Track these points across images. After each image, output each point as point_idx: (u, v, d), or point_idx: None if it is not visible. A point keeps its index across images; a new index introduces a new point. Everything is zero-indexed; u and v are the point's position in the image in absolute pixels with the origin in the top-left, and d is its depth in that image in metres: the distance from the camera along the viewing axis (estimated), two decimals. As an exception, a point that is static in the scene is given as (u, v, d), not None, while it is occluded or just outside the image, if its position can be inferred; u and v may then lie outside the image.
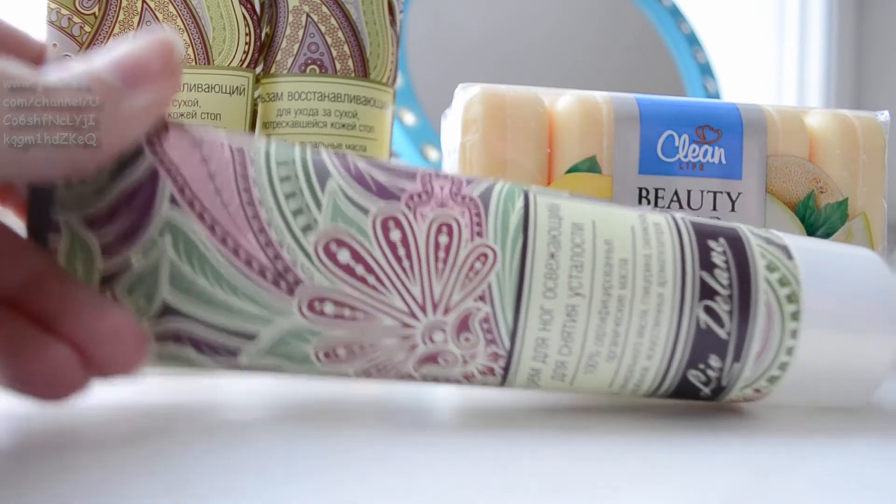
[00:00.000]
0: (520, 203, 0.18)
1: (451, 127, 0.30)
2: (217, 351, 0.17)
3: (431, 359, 0.18)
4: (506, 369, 0.18)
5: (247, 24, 0.25)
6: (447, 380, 0.18)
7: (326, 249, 0.17)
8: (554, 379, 0.18)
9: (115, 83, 0.16)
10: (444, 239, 0.17)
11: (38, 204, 0.16)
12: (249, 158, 0.17)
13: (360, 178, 0.17)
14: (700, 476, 0.15)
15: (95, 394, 0.21)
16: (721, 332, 0.18)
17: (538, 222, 0.18)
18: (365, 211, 0.17)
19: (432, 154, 0.54)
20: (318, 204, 0.17)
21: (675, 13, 0.70)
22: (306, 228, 0.17)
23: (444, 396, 0.22)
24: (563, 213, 0.18)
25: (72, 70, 0.15)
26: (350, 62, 0.26)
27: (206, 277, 0.16)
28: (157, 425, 0.18)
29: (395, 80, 0.28)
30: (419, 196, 0.17)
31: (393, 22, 0.27)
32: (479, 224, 0.17)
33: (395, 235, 0.17)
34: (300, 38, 0.26)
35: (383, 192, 0.17)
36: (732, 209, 0.26)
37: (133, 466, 0.15)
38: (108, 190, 0.16)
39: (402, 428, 0.18)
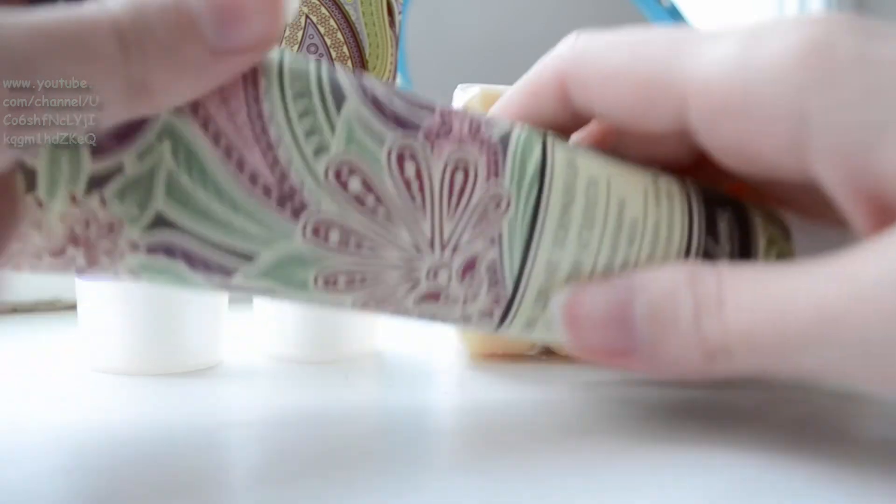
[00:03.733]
0: (538, 151, 0.17)
1: (451, 127, 0.30)
2: (211, 269, 0.16)
3: (433, 297, 0.17)
4: (504, 315, 0.18)
5: (246, 25, 0.25)
6: (444, 320, 0.18)
7: (338, 176, 0.16)
8: (552, 329, 0.18)
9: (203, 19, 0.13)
10: (459, 178, 0.17)
11: None
12: (262, 69, 0.16)
13: (377, 105, 0.16)
14: (700, 476, 0.15)
15: (94, 395, 0.21)
16: None
17: (555, 173, 0.17)
18: (381, 140, 0.16)
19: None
20: (332, 127, 0.16)
21: (674, 13, 0.70)
22: (318, 151, 0.16)
23: (444, 396, 0.22)
24: (579, 167, 0.18)
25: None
26: (349, 63, 0.26)
27: (207, 190, 0.15)
28: (154, 428, 0.18)
29: (394, 80, 0.28)
30: (437, 130, 0.17)
31: (392, 23, 0.27)
32: (496, 166, 0.17)
33: (410, 169, 0.16)
34: (299, 39, 0.26)
35: (401, 123, 0.16)
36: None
37: (132, 467, 0.15)
38: None
39: (401, 430, 0.18)
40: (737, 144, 0.16)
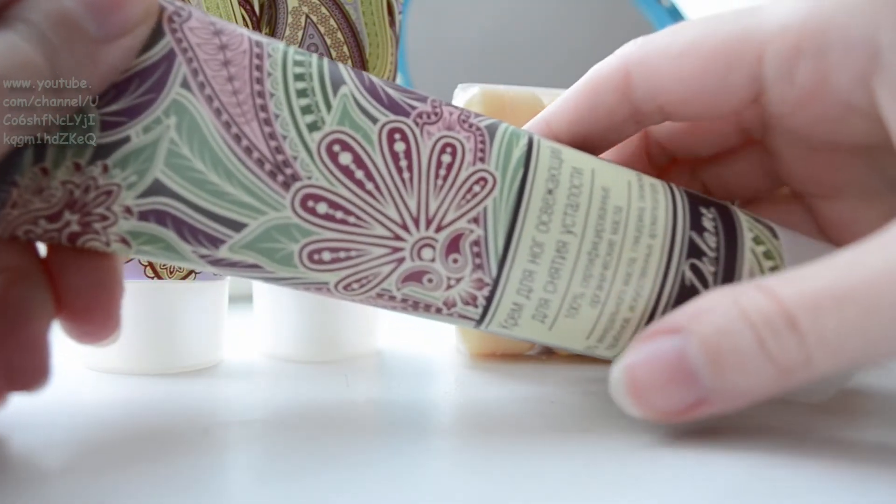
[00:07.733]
0: (524, 141, 0.18)
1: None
2: (199, 239, 0.17)
3: (416, 277, 0.18)
4: (489, 300, 0.18)
5: (246, 25, 0.25)
6: (426, 308, 0.18)
7: (329, 150, 0.17)
8: (535, 319, 0.18)
9: (87, 25, 0.15)
10: (446, 158, 0.17)
11: None
12: (267, 52, 0.17)
13: (372, 91, 0.18)
14: (701, 476, 0.15)
15: (94, 395, 0.21)
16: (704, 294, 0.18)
17: (540, 159, 0.18)
18: (373, 120, 0.17)
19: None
20: (328, 106, 0.17)
21: (675, 14, 0.70)
22: (313, 126, 0.17)
23: (444, 396, 0.22)
24: (564, 157, 0.18)
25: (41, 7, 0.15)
26: (349, 63, 0.26)
27: (204, 161, 0.16)
28: (154, 427, 0.18)
29: (394, 80, 0.28)
30: (428, 115, 0.18)
31: (392, 23, 0.27)
32: (482, 151, 0.18)
33: (400, 147, 0.17)
34: (299, 38, 0.26)
35: (394, 107, 0.17)
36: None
37: (131, 466, 0.15)
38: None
39: (400, 429, 0.18)
40: (811, 86, 0.17)
